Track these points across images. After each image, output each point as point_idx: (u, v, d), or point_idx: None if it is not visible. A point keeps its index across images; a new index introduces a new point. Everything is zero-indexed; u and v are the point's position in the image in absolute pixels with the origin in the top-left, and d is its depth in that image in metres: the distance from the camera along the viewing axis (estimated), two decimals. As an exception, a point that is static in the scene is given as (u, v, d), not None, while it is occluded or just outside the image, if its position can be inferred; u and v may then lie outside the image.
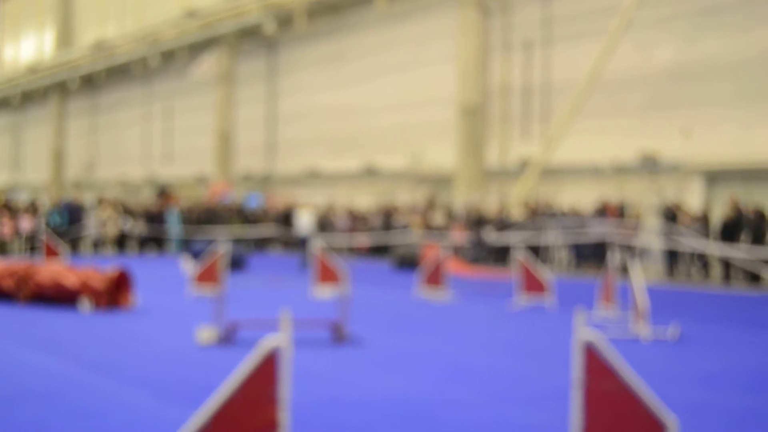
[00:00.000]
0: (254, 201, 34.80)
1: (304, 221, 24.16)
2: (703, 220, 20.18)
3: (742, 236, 19.22)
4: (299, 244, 24.16)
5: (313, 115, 35.80)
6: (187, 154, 42.84)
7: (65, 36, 52.34)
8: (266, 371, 4.64)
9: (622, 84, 24.01)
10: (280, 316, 4.75)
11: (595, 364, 5.05)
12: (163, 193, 33.70)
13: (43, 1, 54.84)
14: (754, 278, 18.77)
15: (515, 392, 7.90)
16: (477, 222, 24.37)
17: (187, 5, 39.30)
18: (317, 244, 16.62)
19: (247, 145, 39.20)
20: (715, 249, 19.30)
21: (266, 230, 30.81)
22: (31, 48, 56.44)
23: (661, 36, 23.38)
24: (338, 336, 10.45)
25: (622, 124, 24.03)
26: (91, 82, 48.79)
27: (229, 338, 10.22)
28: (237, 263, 21.06)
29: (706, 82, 22.37)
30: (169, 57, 41.01)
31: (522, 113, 27.44)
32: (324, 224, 28.45)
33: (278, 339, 4.58)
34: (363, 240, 27.83)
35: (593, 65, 23.33)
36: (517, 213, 24.46)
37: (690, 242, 19.66)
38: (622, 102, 24.11)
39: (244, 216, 31.78)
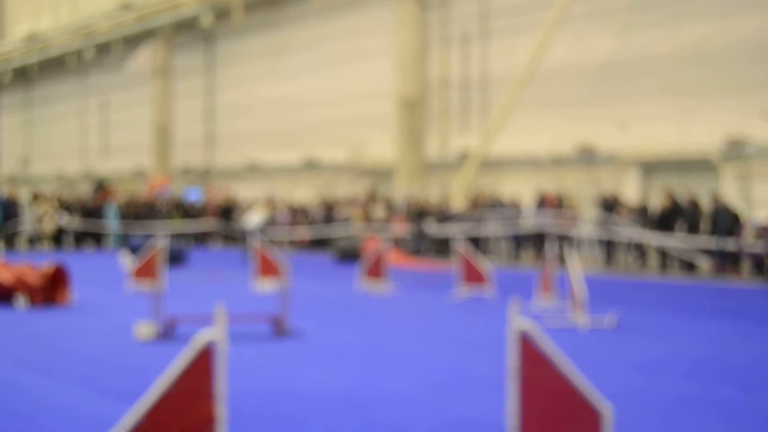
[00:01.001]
0: (193, 195, 34.52)
1: (255, 219, 24.15)
2: (640, 211, 20.45)
3: (678, 226, 19.49)
4: (243, 238, 24.00)
5: (253, 108, 35.61)
6: (125, 148, 42.33)
7: (-3, 27, 51.28)
8: (201, 366, 4.60)
9: (559, 77, 24.25)
10: (216, 310, 4.71)
11: (530, 354, 5.09)
12: (101, 187, 33.21)
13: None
14: (689, 267, 19.12)
15: (454, 383, 7.93)
16: (418, 214, 24.47)
17: (122, -3, 38.73)
18: (257, 238, 16.54)
19: (185, 138, 38.85)
20: (651, 238, 19.58)
21: (206, 224, 30.56)
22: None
23: (596, 30, 23.66)
24: (279, 329, 10.40)
25: (559, 116, 24.28)
26: (25, 75, 47.89)
27: (167, 334, 10.12)
28: (176, 258, 20.88)
29: (641, 75, 22.68)
30: (104, 50, 40.42)
31: (461, 106, 27.59)
32: (268, 219, 28.35)
33: (213, 333, 4.54)
34: (304, 233, 27.77)
35: (530, 58, 23.53)
36: (457, 205, 24.61)
37: (627, 232, 19.94)
38: (559, 95, 24.36)
39: (183, 210, 31.48)
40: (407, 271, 19.64)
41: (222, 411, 4.58)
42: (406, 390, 7.63)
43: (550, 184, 23.73)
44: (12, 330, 10.89)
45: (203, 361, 4.52)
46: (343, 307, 13.41)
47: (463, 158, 26.44)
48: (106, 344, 9.83)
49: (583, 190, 22.89)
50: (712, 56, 21.27)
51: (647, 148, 22.32)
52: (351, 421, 6.53)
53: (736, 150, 20.60)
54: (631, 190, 22.52)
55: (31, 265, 13.69)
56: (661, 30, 22.30)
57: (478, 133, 26.25)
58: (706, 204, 19.65)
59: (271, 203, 29.90)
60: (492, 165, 25.71)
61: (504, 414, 6.57)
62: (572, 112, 24.01)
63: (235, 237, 29.14)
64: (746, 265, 18.49)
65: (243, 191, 33.33)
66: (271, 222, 27.98)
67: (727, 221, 18.48)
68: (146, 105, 39.65)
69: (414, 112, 27.86)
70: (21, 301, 13.04)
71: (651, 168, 22.82)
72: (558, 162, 24.26)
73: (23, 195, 32.30)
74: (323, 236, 26.81)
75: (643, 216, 20.22)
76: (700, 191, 20.41)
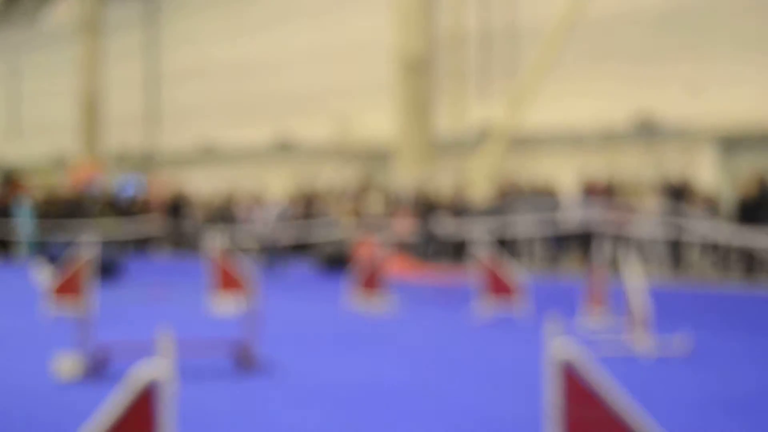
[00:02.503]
0: (132, 188, 34.51)
1: (270, 213, 24.11)
2: (718, 201, 20.40)
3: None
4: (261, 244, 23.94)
5: (208, 73, 35.66)
6: (41, 127, 42.38)
7: None
8: (141, 412, 4.57)
9: (610, 27, 24.20)
10: (161, 338, 4.68)
11: (576, 391, 5.04)
12: (9, 179, 33.24)
13: None
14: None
15: (476, 429, 7.91)
16: (425, 208, 24.44)
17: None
18: (215, 242, 16.48)
19: (121, 114, 38.90)
20: (733, 237, 19.54)
21: (149, 226, 30.56)
22: None
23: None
24: (244, 362, 10.39)
25: (610, 78, 24.26)
26: None
27: (97, 369, 10.09)
28: (109, 270, 20.91)
29: (718, 24, 22.61)
30: (12, 1, 40.46)
31: (480, 67, 27.59)
32: (224, 215, 28.32)
33: (157, 368, 4.50)
34: (276, 234, 27.76)
35: (571, 2, 23.47)
36: (477, 195, 24.59)
37: (701, 228, 19.92)
38: (610, 50, 24.33)
39: (118, 208, 31.48)
40: (413, 284, 19.64)
41: (168, 472, 4.56)
42: (413, 440, 7.62)
43: (598, 166, 23.74)
44: None
45: (143, 406, 4.49)
46: (328, 333, 13.41)
47: (483, 135, 26.44)
48: (17, 383, 9.81)
49: (642, 173, 22.86)
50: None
51: (727, 119, 22.29)
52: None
53: None
54: (706, 174, 22.50)
55: None
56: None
57: (503, 102, 26.22)
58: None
59: (359, 192, 29.48)
60: (523, 143, 25.71)
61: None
62: (627, 73, 23.98)
63: (186, 242, 29.12)
64: None
65: (197, 181, 33.32)
66: (225, 215, 28.01)
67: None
68: (69, 71, 39.67)
69: (418, 75, 27.83)
70: None
71: (732, 144, 22.80)
72: (609, 138, 24.26)
73: None
74: (301, 239, 26.79)
75: (723, 208, 20.18)
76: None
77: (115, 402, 4.50)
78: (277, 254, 23.22)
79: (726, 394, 9.11)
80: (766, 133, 21.72)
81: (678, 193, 20.84)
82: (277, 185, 30.96)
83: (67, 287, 14.88)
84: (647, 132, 23.60)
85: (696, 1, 22.72)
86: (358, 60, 29.85)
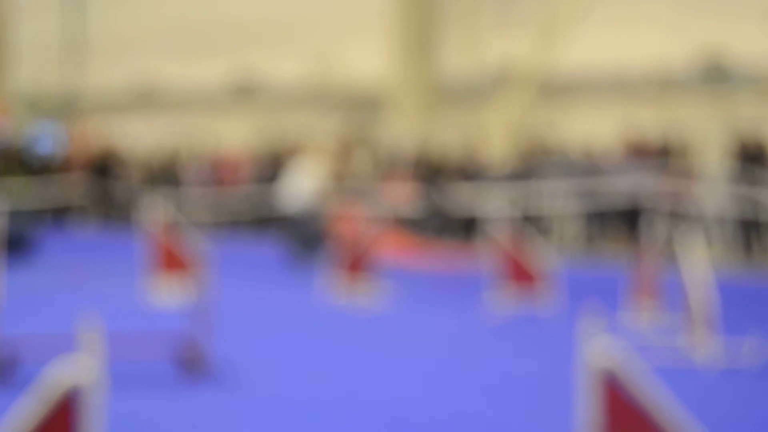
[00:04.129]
0: (48, 140, 34.47)
1: (305, 184, 23.75)
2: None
3: None
4: (290, 224, 23.77)
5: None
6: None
7: None
8: (59, 425, 4.61)
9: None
10: (85, 333, 4.70)
11: (619, 406, 5.11)
12: None
13: None
14: None
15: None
16: (428, 172, 24.46)
17: None
18: (155, 212, 16.51)
19: (33, 43, 38.78)
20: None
21: (69, 190, 30.57)
22: None
23: None
24: (191, 364, 10.42)
25: (667, 4, 24.24)
26: None
27: (3, 372, 10.14)
28: (18, 245, 20.93)
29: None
30: None
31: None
32: (167, 176, 28.31)
33: (80, 371, 4.53)
34: (234, 203, 27.78)
35: None
36: (495, 156, 24.61)
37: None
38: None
39: (29, 166, 31.44)
40: (412, 269, 19.68)
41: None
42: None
43: (651, 120, 23.77)
44: None
45: (62, 418, 4.52)
46: (300, 329, 13.45)
47: (503, 77, 26.43)
48: None
49: (708, 129, 22.89)
50: None
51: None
52: None
53: None
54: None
55: None
56: None
57: (528, 36, 26.21)
58: None
59: (342, 150, 29.39)
60: (555, 89, 25.74)
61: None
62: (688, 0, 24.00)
63: (117, 210, 29.12)
64: None
65: (132, 133, 33.35)
66: (168, 175, 27.98)
67: None
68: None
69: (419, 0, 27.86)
70: None
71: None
72: (666, 83, 24.29)
73: None
74: (268, 210, 26.81)
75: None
76: None
77: (25, 413, 4.53)
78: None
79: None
80: None
81: (753, 158, 20.87)
82: (235, 139, 30.96)
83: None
84: (715, 76, 23.61)
85: None
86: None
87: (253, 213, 27.25)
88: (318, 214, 23.91)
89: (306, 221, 23.63)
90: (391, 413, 9.18)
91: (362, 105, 29.89)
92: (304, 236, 22.91)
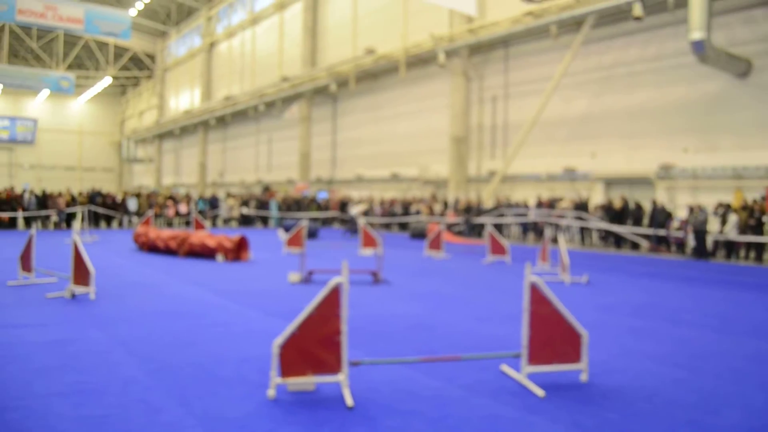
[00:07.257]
0: (322, 194, 34.75)
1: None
2: (603, 209, 19.96)
3: (628, 220, 19.03)
4: (349, 221, 23.97)
5: (360, 142, 35.70)
6: (282, 166, 42.93)
7: (207, 92, 52.63)
8: (333, 298, 4.72)
9: (553, 124, 23.79)
10: (342, 266, 4.81)
11: (537, 297, 5.08)
12: (267, 189, 33.79)
13: (194, 70, 55.17)
14: (634, 246, 18.61)
15: (487, 316, 7.94)
16: (463, 209, 24.26)
17: (282, 74, 39.39)
18: (359, 221, 16.57)
19: (318, 159, 39.19)
20: (610, 227, 19.14)
21: (329, 214, 30.68)
22: (186, 99, 56.81)
23: (576, 95, 23.11)
24: (376, 279, 10.51)
25: (552, 149, 23.82)
26: (223, 121, 48.93)
27: (308, 279, 10.31)
28: (312, 234, 21.20)
29: (605, 124, 22.11)
30: (270, 105, 41.06)
31: (490, 142, 27.26)
32: (366, 211, 28.45)
33: (340, 279, 4.65)
34: (388, 219, 27.76)
35: (535, 112, 23.12)
36: (487, 204, 24.34)
37: (594, 223, 19.51)
38: (552, 135, 23.89)
39: (316, 203, 31.67)
40: (455, 245, 19.56)
41: (345, 327, 4.70)
42: (455, 318, 7.67)
43: (545, 192, 23.30)
44: (215, 274, 11.25)
45: (333, 296, 4.65)
46: (415, 267, 13.39)
47: (491, 175, 26.12)
48: (270, 284, 10.08)
49: (566, 196, 22.37)
50: (651, 112, 20.67)
51: (609, 170, 21.79)
52: (420, 336, 6.61)
53: (666, 172, 19.95)
54: (597, 197, 21.98)
55: (226, 235, 14.10)
56: (618, 95, 21.69)
57: (501, 159, 25.90)
58: (646, 206, 19.14)
59: (368, 200, 29.92)
60: (509, 179, 25.35)
61: (520, 333, 6.57)
62: (560, 147, 23.53)
63: (344, 221, 29.11)
64: (672, 246, 17.93)
65: (353, 193, 33.51)
66: (367, 210, 28.09)
67: (660, 217, 17.97)
68: (295, 139, 40.12)
69: (461, 144, 27.62)
70: (220, 258, 13.45)
71: (611, 182, 22.23)
72: (551, 178, 23.78)
73: (221, 194, 33.09)
74: (403, 222, 26.80)
75: (605, 213, 19.73)
76: (643, 198, 19.91)
77: (320, 294, 4.65)
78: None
79: (603, 302, 8.94)
80: (628, 177, 21.11)
81: (584, 206, 20.39)
82: (390, 196, 30.79)
83: (294, 241, 15.20)
84: (570, 176, 23.05)
85: (594, 112, 22.15)
86: (431, 137, 29.67)
87: (398, 222, 26.96)
88: (424, 224, 23.64)
89: (419, 226, 23.38)
90: (449, 296, 9.02)
91: (438, 185, 29.67)
92: (417, 232, 22.61)
